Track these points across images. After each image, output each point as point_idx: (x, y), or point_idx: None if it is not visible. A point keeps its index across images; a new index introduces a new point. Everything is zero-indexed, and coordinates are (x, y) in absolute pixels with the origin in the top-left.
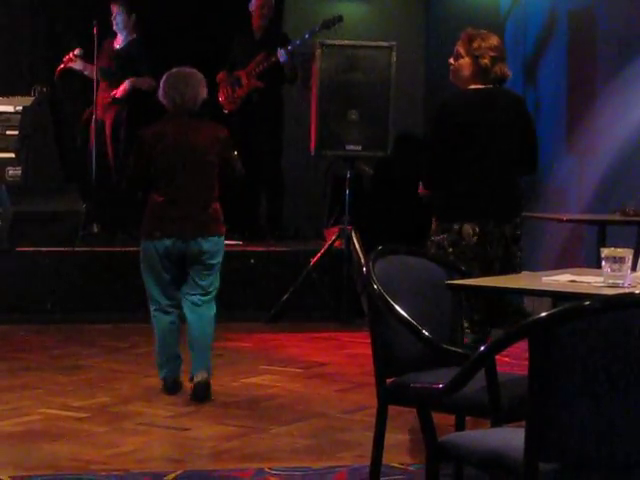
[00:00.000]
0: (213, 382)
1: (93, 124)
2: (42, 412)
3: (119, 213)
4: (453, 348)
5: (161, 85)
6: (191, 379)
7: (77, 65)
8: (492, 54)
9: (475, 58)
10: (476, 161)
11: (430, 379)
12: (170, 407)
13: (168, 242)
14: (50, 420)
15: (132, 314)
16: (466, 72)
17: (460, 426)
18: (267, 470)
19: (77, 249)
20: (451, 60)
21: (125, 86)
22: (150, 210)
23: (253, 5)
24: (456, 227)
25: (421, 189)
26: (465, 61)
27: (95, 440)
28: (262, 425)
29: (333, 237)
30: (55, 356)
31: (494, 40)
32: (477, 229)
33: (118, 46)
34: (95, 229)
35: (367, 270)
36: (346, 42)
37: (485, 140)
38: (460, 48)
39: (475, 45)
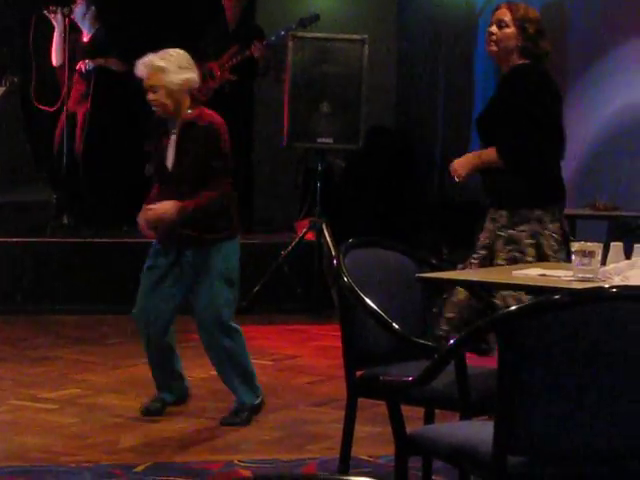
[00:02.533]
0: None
1: (64, 116)
2: (11, 403)
3: (89, 204)
4: (423, 341)
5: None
6: None
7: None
8: (537, 27)
9: (522, 29)
10: (556, 141)
11: (400, 372)
12: (140, 399)
13: None
14: (19, 411)
15: (102, 305)
16: (512, 42)
17: (429, 419)
18: (236, 462)
19: (47, 240)
20: (493, 29)
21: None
22: (234, 205)
23: None
24: (537, 214)
25: (458, 170)
26: (511, 31)
27: (65, 432)
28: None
29: (304, 229)
30: (24, 347)
31: (536, 13)
32: (557, 214)
33: (86, 39)
34: (65, 220)
35: (337, 262)
36: (318, 34)
37: (558, 119)
38: (504, 16)
39: (521, 13)
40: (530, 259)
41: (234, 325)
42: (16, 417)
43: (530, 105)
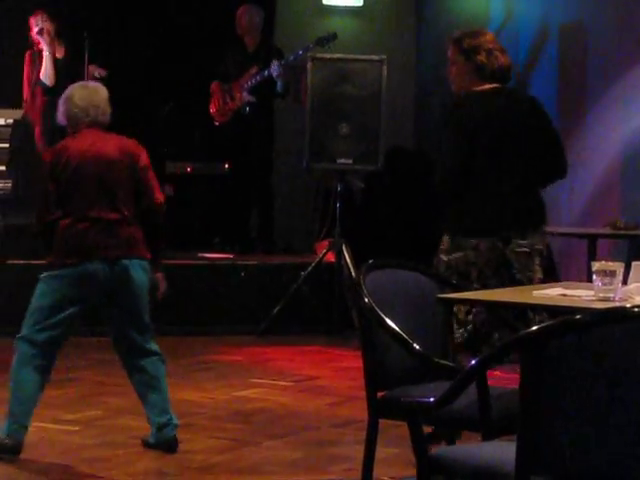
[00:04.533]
0: (204, 395)
1: None
2: (34, 425)
3: None
4: (444, 362)
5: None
6: None
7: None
8: (485, 48)
9: (467, 57)
10: (492, 168)
11: (421, 393)
12: None
13: None
14: (41, 433)
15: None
16: (464, 75)
17: (451, 440)
18: None
19: None
20: (448, 70)
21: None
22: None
23: (240, 19)
24: (473, 242)
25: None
26: (459, 64)
27: (86, 453)
28: (253, 438)
29: (324, 250)
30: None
31: (485, 35)
32: (499, 244)
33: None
34: None
35: (358, 283)
36: (337, 55)
37: (499, 144)
38: (451, 53)
39: (465, 45)
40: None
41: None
42: (38, 439)
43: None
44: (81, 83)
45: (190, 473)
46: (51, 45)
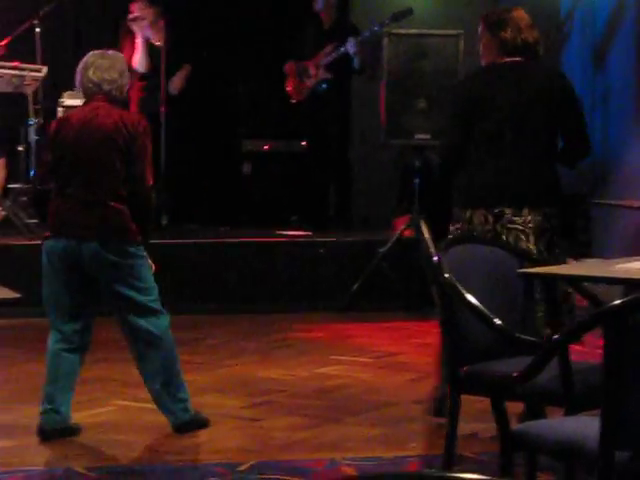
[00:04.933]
0: (285, 372)
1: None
2: (116, 404)
3: (186, 205)
4: (525, 336)
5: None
6: None
7: None
8: (511, 24)
9: (492, 33)
10: (491, 141)
11: (502, 368)
12: (243, 398)
13: None
14: (124, 411)
15: (202, 305)
16: (490, 50)
17: (533, 415)
18: (340, 460)
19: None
20: (478, 47)
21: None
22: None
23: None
24: (467, 215)
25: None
26: (485, 39)
27: (169, 431)
28: (334, 415)
29: (402, 226)
30: (126, 348)
31: (512, 11)
32: (490, 217)
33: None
34: (164, 221)
35: (438, 259)
36: (413, 31)
37: (502, 117)
38: (480, 29)
39: (490, 21)
40: None
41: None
42: (121, 417)
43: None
44: (98, 53)
45: (272, 450)
46: (145, 32)
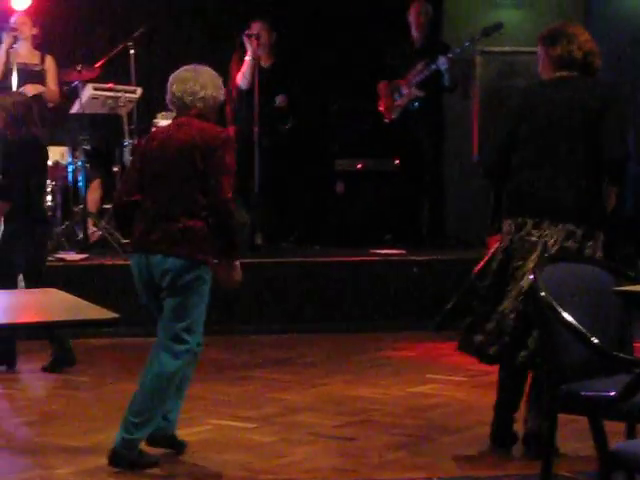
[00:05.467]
0: (378, 391)
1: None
2: (211, 422)
3: (284, 222)
4: (623, 355)
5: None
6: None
7: None
8: (564, 40)
9: (546, 50)
10: (524, 153)
11: (600, 387)
12: (337, 417)
13: None
14: (219, 430)
15: (295, 324)
16: (545, 66)
17: (631, 434)
18: (436, 479)
19: (242, 261)
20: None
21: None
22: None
23: (411, 14)
24: (506, 225)
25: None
26: (541, 56)
27: (264, 450)
28: (429, 434)
29: (496, 244)
30: (223, 367)
31: (568, 27)
32: (513, 227)
33: (265, 64)
34: (259, 240)
35: (535, 277)
36: (505, 49)
37: (537, 130)
38: (538, 46)
39: (546, 37)
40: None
41: None
42: (216, 436)
43: None
44: (183, 68)
45: (367, 470)
46: (257, 51)
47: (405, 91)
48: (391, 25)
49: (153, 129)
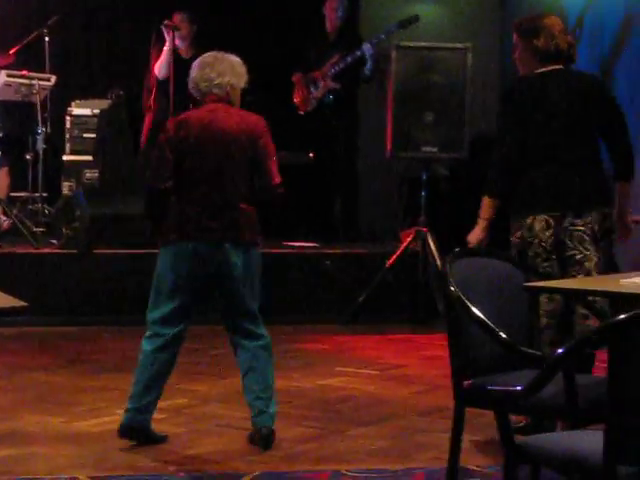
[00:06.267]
0: (290, 383)
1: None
2: (120, 413)
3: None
4: (531, 350)
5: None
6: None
7: None
8: (545, 31)
9: (527, 41)
10: (547, 146)
11: (507, 381)
12: (246, 408)
13: None
14: None
15: (208, 316)
16: (526, 58)
17: (538, 428)
18: (344, 472)
19: (151, 251)
20: (513, 57)
21: None
22: (170, 211)
23: (327, 7)
24: (528, 222)
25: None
26: (520, 48)
27: (173, 441)
28: (338, 427)
29: (409, 239)
30: (133, 357)
31: (545, 18)
32: (552, 222)
33: (186, 56)
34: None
35: (444, 272)
36: (421, 44)
37: (555, 123)
38: (514, 38)
39: (524, 29)
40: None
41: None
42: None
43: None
44: (207, 56)
45: (276, 461)
46: (172, 42)
47: (320, 83)
48: (308, 18)
49: (68, 118)
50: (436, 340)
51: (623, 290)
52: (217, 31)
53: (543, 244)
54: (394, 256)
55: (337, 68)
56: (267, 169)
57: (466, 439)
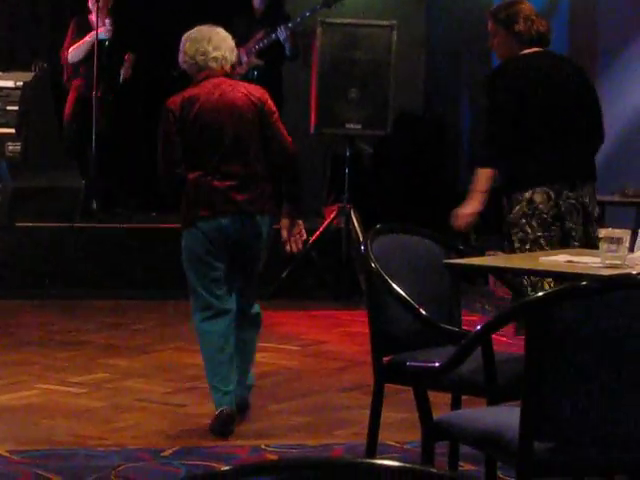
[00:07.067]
0: None
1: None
2: (40, 387)
3: (117, 190)
4: (450, 327)
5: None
6: None
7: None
8: (522, 16)
9: (507, 27)
10: (547, 122)
11: (426, 358)
12: (167, 383)
13: None
14: (48, 395)
15: (130, 290)
16: (506, 44)
17: (456, 405)
18: (263, 447)
19: (76, 225)
20: (490, 43)
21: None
22: (185, 193)
23: None
24: (527, 196)
25: (459, 220)
26: (500, 35)
27: (92, 416)
28: (259, 402)
29: (332, 215)
30: (53, 331)
31: (520, 4)
32: (552, 194)
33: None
34: (94, 205)
35: (365, 248)
36: (347, 20)
37: (548, 101)
38: (490, 26)
39: (502, 16)
40: (517, 245)
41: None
42: (44, 401)
43: (486, 102)
44: (196, 30)
45: (195, 436)
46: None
47: (244, 59)
48: None
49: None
50: (358, 317)
51: (539, 267)
52: (143, 5)
53: (544, 215)
54: (317, 232)
55: (261, 45)
56: (284, 139)
57: (386, 415)
